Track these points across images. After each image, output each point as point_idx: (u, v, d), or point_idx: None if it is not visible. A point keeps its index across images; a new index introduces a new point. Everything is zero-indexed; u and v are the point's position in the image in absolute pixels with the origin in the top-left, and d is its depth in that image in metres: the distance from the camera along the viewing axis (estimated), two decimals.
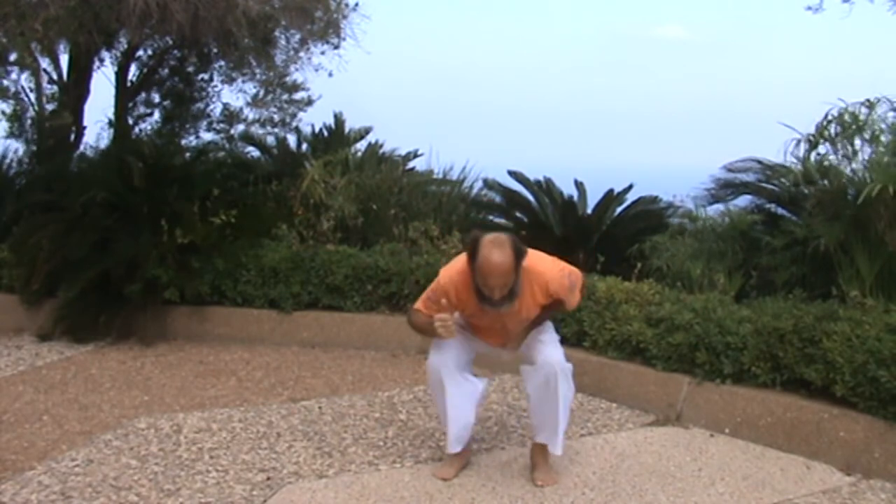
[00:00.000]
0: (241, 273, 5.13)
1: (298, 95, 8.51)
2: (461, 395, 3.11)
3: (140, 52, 7.62)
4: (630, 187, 6.56)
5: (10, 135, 7.28)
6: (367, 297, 5.08)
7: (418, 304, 3.11)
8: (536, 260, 2.95)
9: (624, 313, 4.10)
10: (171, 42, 7.45)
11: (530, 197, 6.57)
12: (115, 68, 7.47)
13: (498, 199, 6.74)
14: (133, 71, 7.69)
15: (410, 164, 7.47)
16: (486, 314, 2.97)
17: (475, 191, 7.05)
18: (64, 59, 7.18)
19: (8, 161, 6.81)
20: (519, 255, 2.82)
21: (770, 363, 3.55)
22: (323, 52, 7.34)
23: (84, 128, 7.35)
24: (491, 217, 6.71)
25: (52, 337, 5.08)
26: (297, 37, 7.12)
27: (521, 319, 3.01)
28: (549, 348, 3.06)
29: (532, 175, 6.61)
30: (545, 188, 6.60)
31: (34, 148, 7.22)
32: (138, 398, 4.04)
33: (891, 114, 4.27)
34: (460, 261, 2.96)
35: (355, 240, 5.82)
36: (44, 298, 5.23)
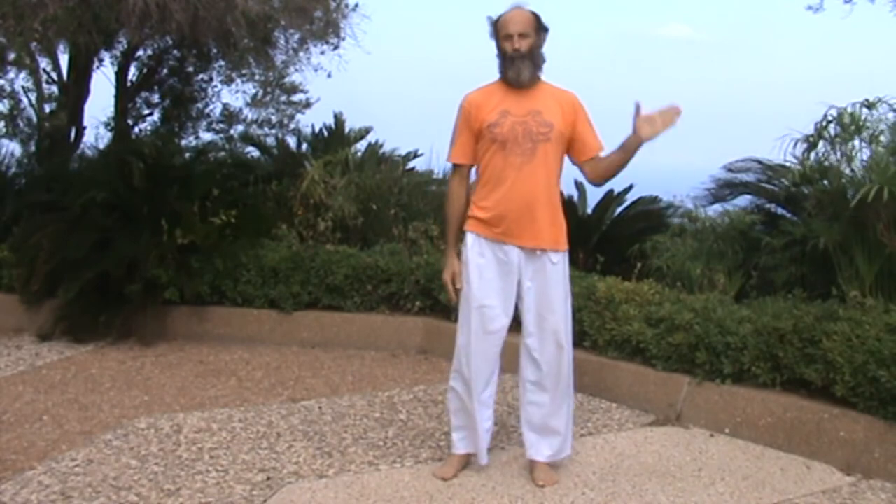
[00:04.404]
0: (241, 273, 5.13)
1: (297, 97, 8.53)
2: (484, 412, 3.12)
3: (140, 53, 7.63)
4: (630, 187, 6.57)
5: (5, 134, 7.29)
6: (367, 297, 5.08)
7: (452, 157, 3.12)
8: (561, 88, 3.04)
9: (624, 313, 4.10)
10: (170, 42, 7.46)
11: None
12: (115, 68, 7.48)
13: None
14: (133, 71, 7.70)
15: (410, 164, 7.47)
16: (509, 114, 2.94)
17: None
18: (63, 59, 7.20)
19: (6, 161, 6.81)
20: (541, 19, 2.95)
21: (770, 363, 3.55)
22: (322, 53, 7.36)
23: (84, 128, 7.35)
24: None
25: (52, 337, 5.08)
26: (297, 37, 7.12)
27: (545, 121, 2.92)
28: (566, 356, 3.02)
29: None
30: None
31: (31, 148, 7.23)
32: (138, 398, 4.04)
33: (891, 114, 4.27)
34: None
35: (355, 240, 5.82)
36: (44, 298, 5.22)
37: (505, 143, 2.93)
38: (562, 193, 3.17)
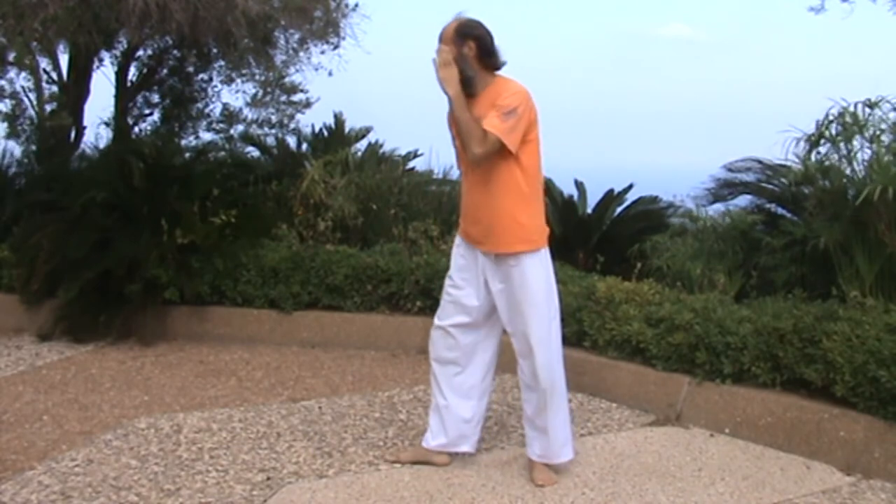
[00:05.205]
0: (241, 273, 5.13)
1: (297, 97, 8.53)
2: (455, 392, 3.18)
3: (140, 53, 7.64)
4: (630, 187, 6.58)
5: (9, 135, 7.30)
6: (367, 297, 5.08)
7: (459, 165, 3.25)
8: (512, 81, 2.93)
9: (624, 313, 4.10)
10: (170, 42, 7.47)
11: None
12: (115, 68, 7.49)
13: None
14: (133, 71, 7.71)
15: (410, 164, 7.48)
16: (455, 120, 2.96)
17: None
18: (63, 59, 7.21)
19: (7, 161, 6.82)
20: (462, 28, 2.88)
21: (770, 363, 3.54)
22: (323, 52, 7.37)
23: (84, 128, 7.36)
24: None
25: (52, 337, 5.08)
26: (297, 37, 7.13)
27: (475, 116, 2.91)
28: (541, 358, 2.99)
29: None
30: (545, 188, 6.60)
31: (32, 148, 7.23)
32: (138, 398, 4.04)
33: (892, 114, 4.27)
34: None
35: (355, 240, 5.82)
36: (44, 298, 5.22)
37: (460, 153, 3.06)
38: (548, 187, 3.16)
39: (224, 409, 3.89)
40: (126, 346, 4.98)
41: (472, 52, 2.90)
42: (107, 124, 7.62)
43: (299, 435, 3.55)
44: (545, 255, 3.03)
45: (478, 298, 3.09)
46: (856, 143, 4.30)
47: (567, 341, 4.24)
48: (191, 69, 7.99)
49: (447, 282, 3.19)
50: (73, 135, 7.24)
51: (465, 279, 3.11)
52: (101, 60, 7.35)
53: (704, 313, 3.81)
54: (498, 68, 2.97)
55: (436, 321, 3.22)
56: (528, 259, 2.97)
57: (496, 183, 2.94)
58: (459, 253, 3.14)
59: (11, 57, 6.44)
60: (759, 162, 5.10)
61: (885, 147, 4.22)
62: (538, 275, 2.99)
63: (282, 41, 7.15)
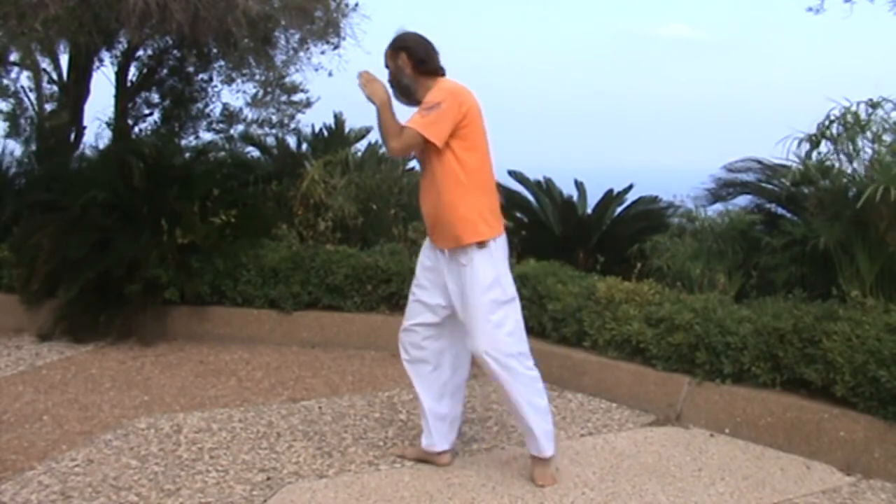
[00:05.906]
0: (241, 273, 5.13)
1: (297, 97, 8.54)
2: (429, 390, 3.19)
3: (140, 52, 7.64)
4: (630, 187, 6.57)
5: (8, 134, 7.30)
6: (367, 297, 5.08)
7: None
8: (446, 81, 3.05)
9: (624, 313, 4.10)
10: (170, 42, 7.47)
11: (530, 197, 6.58)
12: (115, 68, 7.49)
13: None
14: (133, 71, 7.71)
15: (410, 164, 7.48)
16: None
17: None
18: (64, 59, 7.22)
19: (7, 161, 6.82)
20: (395, 43, 3.07)
21: (770, 363, 3.55)
22: (323, 52, 7.36)
23: (84, 128, 7.36)
24: None
25: (52, 337, 5.08)
26: (297, 37, 7.13)
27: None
28: (482, 345, 2.97)
29: (532, 175, 6.63)
30: (545, 188, 6.61)
31: (32, 148, 7.24)
32: (138, 398, 4.04)
33: (894, 113, 4.27)
34: None
35: (355, 240, 5.82)
36: (44, 298, 5.22)
37: (418, 156, 3.16)
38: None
39: (224, 409, 3.89)
40: (126, 346, 4.98)
41: (404, 62, 3.06)
42: (107, 124, 7.63)
43: (299, 435, 3.55)
44: (497, 247, 3.02)
45: (443, 298, 3.12)
46: (858, 142, 4.30)
47: (567, 341, 4.27)
48: (191, 69, 7.99)
49: (413, 282, 3.23)
50: (73, 135, 7.24)
51: (429, 279, 3.15)
52: (101, 60, 7.35)
53: (704, 313, 3.81)
54: (436, 73, 3.06)
55: (403, 324, 3.23)
56: (478, 258, 2.98)
57: (438, 179, 3.02)
58: (426, 255, 3.20)
59: (14, 57, 6.44)
60: (759, 162, 5.10)
61: (887, 147, 4.21)
62: (486, 273, 2.98)
63: (282, 41, 7.16)
